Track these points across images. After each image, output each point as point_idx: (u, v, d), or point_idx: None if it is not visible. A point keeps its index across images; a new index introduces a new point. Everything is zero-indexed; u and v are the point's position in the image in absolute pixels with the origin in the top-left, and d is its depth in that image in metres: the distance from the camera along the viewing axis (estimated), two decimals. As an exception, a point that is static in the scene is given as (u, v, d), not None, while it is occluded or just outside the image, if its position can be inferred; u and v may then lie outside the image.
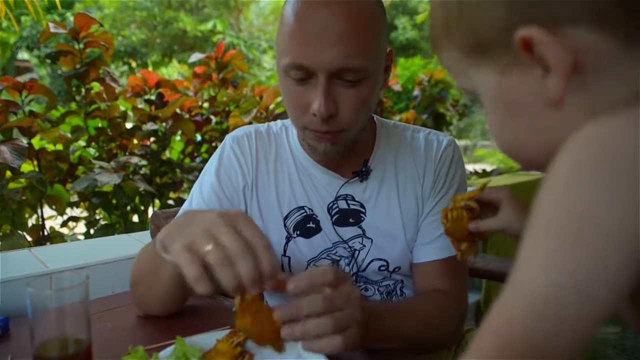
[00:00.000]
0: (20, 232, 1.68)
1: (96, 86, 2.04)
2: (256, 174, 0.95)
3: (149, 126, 2.13)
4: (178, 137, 2.47)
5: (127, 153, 2.12)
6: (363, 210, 0.93)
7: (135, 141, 2.17)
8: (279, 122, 1.02)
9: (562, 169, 0.38)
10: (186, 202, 0.96)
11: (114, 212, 2.00)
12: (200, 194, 0.94)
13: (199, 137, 2.46)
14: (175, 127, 2.17)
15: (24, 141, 1.66)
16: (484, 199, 0.74)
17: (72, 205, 2.05)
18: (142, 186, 1.93)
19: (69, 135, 2.00)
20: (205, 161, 2.12)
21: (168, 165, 2.25)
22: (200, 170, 1.02)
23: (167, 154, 2.35)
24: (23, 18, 10.73)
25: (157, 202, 2.23)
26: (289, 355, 0.68)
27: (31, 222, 1.90)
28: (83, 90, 1.99)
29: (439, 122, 3.57)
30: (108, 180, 1.72)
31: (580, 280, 0.35)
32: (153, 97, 2.26)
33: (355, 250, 0.93)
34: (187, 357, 0.67)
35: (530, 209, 0.39)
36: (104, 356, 0.69)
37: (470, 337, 1.02)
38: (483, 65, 0.46)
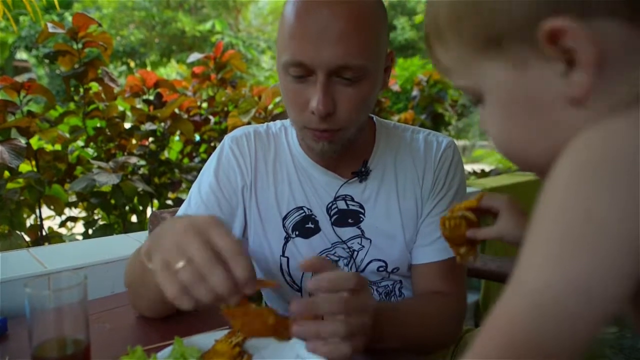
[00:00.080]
0: (18, 232, 1.67)
1: (94, 86, 2.03)
2: (255, 175, 0.94)
3: (148, 126, 2.13)
4: (177, 137, 2.46)
5: (125, 153, 2.12)
6: (362, 211, 0.93)
7: (133, 141, 2.17)
8: (278, 122, 1.02)
9: (563, 170, 0.38)
10: (185, 203, 0.96)
11: (112, 212, 2.00)
12: (198, 195, 0.94)
13: (197, 137, 2.45)
14: (173, 127, 2.17)
15: (22, 141, 1.66)
16: (483, 206, 0.74)
17: (71, 205, 2.05)
18: (140, 186, 1.93)
19: (68, 135, 2.00)
20: (204, 161, 2.12)
21: (167, 166, 2.25)
22: (198, 170, 1.02)
23: (165, 154, 2.35)
24: (21, 18, 10.72)
25: (155, 202, 2.23)
26: (288, 355, 0.68)
27: (29, 222, 1.90)
28: (81, 90, 1.99)
29: (437, 123, 3.58)
30: (106, 180, 1.72)
31: (581, 281, 0.34)
32: (151, 97, 2.25)
33: (354, 250, 0.93)
34: (185, 358, 0.66)
35: (530, 216, 0.39)
36: (102, 356, 0.68)
37: (469, 337, 1.02)
38: (495, 60, 0.44)
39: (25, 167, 1.82)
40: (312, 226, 0.93)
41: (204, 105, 2.56)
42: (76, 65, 1.94)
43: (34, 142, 1.91)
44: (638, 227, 0.33)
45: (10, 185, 1.68)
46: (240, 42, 16.01)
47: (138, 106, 2.25)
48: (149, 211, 2.16)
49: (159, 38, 16.72)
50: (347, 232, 0.93)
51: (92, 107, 2.01)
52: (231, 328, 0.71)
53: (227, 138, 0.98)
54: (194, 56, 2.55)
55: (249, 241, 0.96)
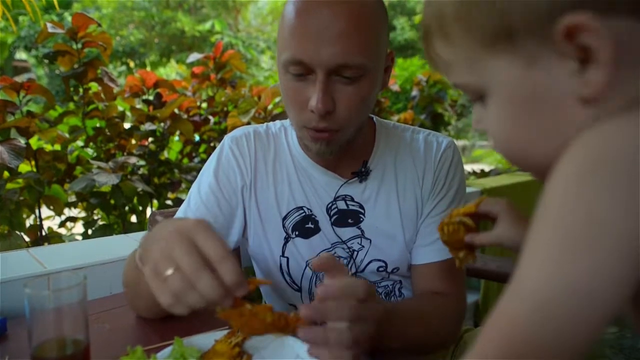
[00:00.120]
0: (17, 232, 1.67)
1: (94, 86, 2.03)
2: (255, 175, 0.94)
3: (147, 126, 2.13)
4: (176, 138, 2.46)
5: (125, 153, 2.12)
6: (362, 211, 0.93)
7: (133, 141, 2.17)
8: (277, 122, 1.02)
9: (563, 172, 0.37)
10: (184, 203, 0.96)
11: (112, 212, 2.00)
12: (198, 195, 0.94)
13: (197, 137, 2.45)
14: (173, 127, 2.17)
15: (22, 141, 1.66)
16: (481, 212, 0.74)
17: (70, 205, 2.04)
18: (140, 186, 1.93)
19: (67, 135, 2.00)
20: (203, 161, 2.12)
21: (166, 166, 2.24)
22: (198, 170, 1.02)
23: (165, 154, 2.35)
24: (21, 18, 10.71)
25: (155, 202, 2.23)
26: (288, 355, 0.68)
27: (29, 222, 1.89)
28: (81, 90, 1.98)
29: (437, 123, 3.58)
30: (106, 180, 1.72)
31: (582, 282, 0.34)
32: (151, 97, 2.25)
33: (354, 250, 0.93)
34: (185, 358, 0.66)
35: (529, 220, 0.38)
36: (102, 357, 0.68)
37: (468, 337, 1.02)
38: (504, 56, 0.42)
39: (24, 167, 1.82)
40: (312, 226, 0.93)
41: (204, 105, 2.56)
42: (76, 65, 1.94)
43: (34, 142, 1.91)
44: (638, 227, 0.33)
45: (9, 186, 1.68)
46: (239, 42, 16.01)
47: (137, 106, 2.25)
48: (148, 211, 2.16)
49: (158, 38, 16.72)
50: (347, 232, 0.93)
51: (91, 107, 2.01)
52: (231, 328, 0.71)
53: (226, 138, 0.98)
54: (194, 56, 2.54)
55: (249, 241, 0.96)
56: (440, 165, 0.95)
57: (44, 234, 1.85)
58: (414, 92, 3.64)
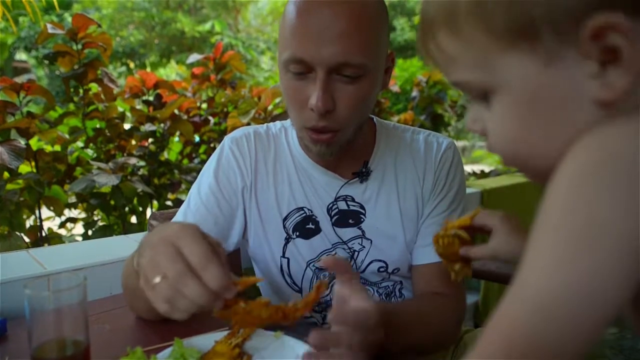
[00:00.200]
0: (17, 233, 1.67)
1: (94, 87, 2.03)
2: (255, 175, 0.94)
3: (147, 127, 2.13)
4: (176, 138, 2.46)
5: (125, 154, 2.12)
6: (363, 211, 0.93)
7: (133, 142, 2.17)
8: (277, 123, 1.02)
9: (564, 174, 0.37)
10: (184, 204, 0.95)
11: (112, 213, 1.99)
12: (198, 196, 0.93)
13: (197, 138, 2.45)
14: (173, 128, 2.17)
15: (22, 142, 1.66)
16: (476, 224, 0.73)
17: (70, 206, 2.04)
18: (140, 187, 1.93)
19: (67, 136, 2.00)
20: (203, 162, 2.11)
21: (166, 166, 2.24)
22: (198, 171, 1.02)
23: (165, 155, 2.34)
24: (21, 19, 10.71)
25: (155, 203, 2.23)
26: (288, 356, 0.68)
27: (29, 223, 1.89)
28: (81, 91, 1.98)
29: (437, 123, 3.58)
30: (106, 181, 1.72)
31: (582, 284, 0.34)
32: (151, 98, 2.25)
33: (354, 251, 0.93)
34: (185, 359, 0.66)
35: (525, 232, 0.38)
36: (102, 357, 0.68)
37: (468, 338, 1.02)
38: (520, 54, 0.40)
39: (24, 168, 1.82)
40: (313, 227, 0.93)
41: (204, 106, 2.56)
42: (76, 66, 1.94)
43: (34, 143, 1.91)
44: (638, 227, 0.33)
45: (9, 186, 1.68)
46: (239, 43, 16.01)
47: (138, 107, 2.25)
48: (148, 212, 2.16)
49: (158, 39, 16.73)
50: (347, 232, 0.93)
51: (91, 108, 2.01)
52: (231, 329, 0.71)
53: (227, 139, 0.98)
54: (194, 57, 2.55)
55: (249, 242, 0.96)
56: (441, 165, 0.95)
57: (44, 234, 1.85)
58: (414, 93, 3.64)
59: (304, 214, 0.93)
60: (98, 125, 2.11)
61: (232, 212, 0.93)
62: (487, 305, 2.33)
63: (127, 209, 2.08)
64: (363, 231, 0.93)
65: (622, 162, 0.35)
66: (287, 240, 0.93)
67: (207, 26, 16.67)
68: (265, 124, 1.02)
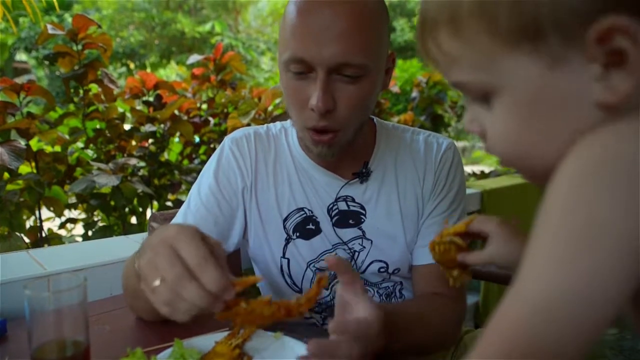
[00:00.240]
0: (18, 233, 1.67)
1: (94, 87, 2.03)
2: (255, 176, 0.94)
3: (147, 128, 2.13)
4: (176, 139, 2.46)
5: (125, 154, 2.12)
6: (363, 212, 0.93)
7: (133, 143, 2.17)
8: (278, 123, 1.02)
9: (564, 175, 0.37)
10: (184, 205, 0.95)
11: (112, 213, 1.99)
12: (198, 196, 0.93)
13: (197, 139, 2.45)
14: (173, 128, 2.17)
15: (22, 143, 1.66)
16: (472, 231, 0.72)
17: (70, 206, 2.04)
18: (140, 188, 1.93)
19: (67, 136, 2.00)
20: (203, 163, 2.12)
21: (166, 167, 2.24)
22: (198, 171, 1.02)
23: (165, 156, 2.35)
24: (21, 19, 10.72)
25: (155, 203, 2.23)
26: (288, 356, 0.68)
27: (29, 223, 1.89)
28: (81, 91, 1.98)
29: (437, 124, 3.58)
30: (106, 181, 1.72)
31: (582, 284, 0.34)
32: (151, 99, 2.25)
33: (355, 251, 0.93)
34: (185, 359, 0.66)
35: (522, 237, 0.38)
36: (102, 358, 0.68)
37: (468, 338, 1.02)
38: (524, 56, 0.40)
39: (25, 168, 1.82)
40: (313, 227, 0.93)
41: (204, 106, 2.56)
42: (76, 67, 1.94)
43: (34, 143, 1.91)
44: (638, 227, 0.33)
45: (10, 187, 1.68)
46: (239, 44, 16.02)
47: (138, 108, 2.25)
48: (148, 213, 2.16)
49: (158, 39, 16.74)
50: (348, 233, 0.93)
51: (91, 108, 2.01)
52: (231, 330, 0.71)
53: (227, 139, 0.98)
54: (194, 58, 2.55)
55: (249, 243, 0.96)
56: (441, 166, 0.95)
57: (44, 235, 1.85)
58: (414, 94, 3.65)
59: (304, 215, 0.93)
60: (98, 126, 2.11)
61: (232, 213, 0.93)
62: (488, 305, 2.33)
63: (127, 209, 2.08)
64: (363, 232, 0.93)
65: (623, 163, 0.35)
66: (288, 240, 0.93)
67: (207, 27, 16.68)
68: (266, 125, 1.02)
